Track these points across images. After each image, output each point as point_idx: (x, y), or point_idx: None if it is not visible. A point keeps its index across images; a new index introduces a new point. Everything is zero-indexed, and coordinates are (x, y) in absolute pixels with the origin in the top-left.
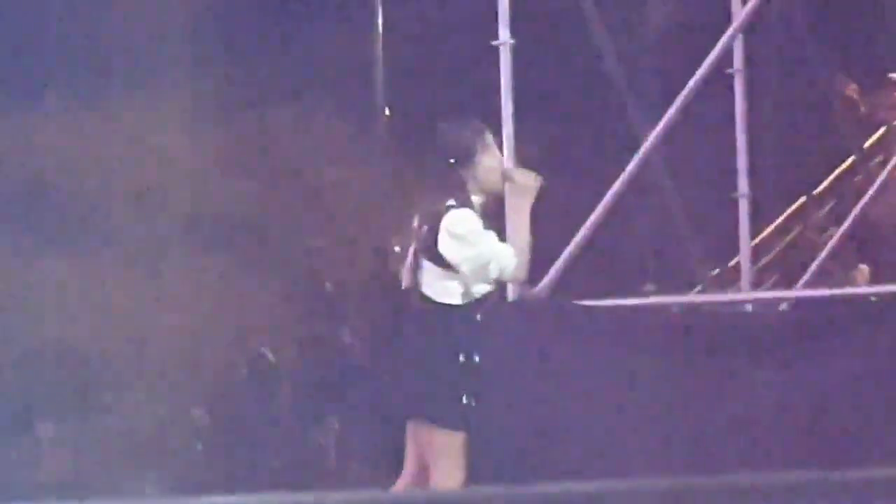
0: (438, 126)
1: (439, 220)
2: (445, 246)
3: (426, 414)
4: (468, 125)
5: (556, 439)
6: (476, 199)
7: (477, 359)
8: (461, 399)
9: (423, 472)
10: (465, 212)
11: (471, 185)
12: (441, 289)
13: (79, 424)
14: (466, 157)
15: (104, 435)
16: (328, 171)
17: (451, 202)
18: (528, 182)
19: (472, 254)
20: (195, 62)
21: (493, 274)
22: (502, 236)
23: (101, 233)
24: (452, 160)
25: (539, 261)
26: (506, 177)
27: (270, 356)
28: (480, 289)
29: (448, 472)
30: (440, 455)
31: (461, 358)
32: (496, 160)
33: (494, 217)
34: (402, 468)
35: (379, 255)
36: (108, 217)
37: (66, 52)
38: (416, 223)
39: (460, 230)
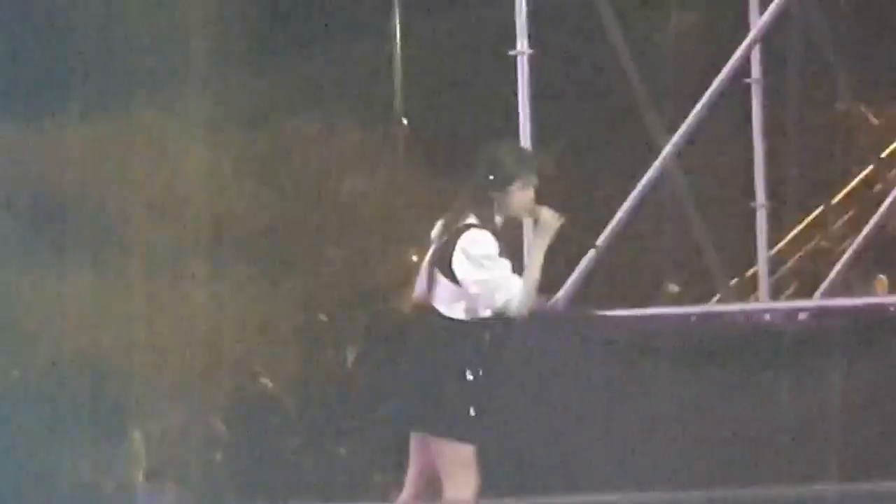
0: (495, 143)
1: (458, 236)
2: (459, 264)
3: (435, 427)
4: (522, 152)
5: (572, 450)
6: (498, 220)
7: (486, 375)
8: (469, 412)
9: (428, 486)
10: (485, 234)
11: (497, 208)
12: (450, 304)
13: (99, 435)
14: (505, 180)
15: (122, 445)
16: (346, 182)
17: (473, 220)
18: (552, 221)
19: (484, 278)
20: (215, 73)
21: (499, 303)
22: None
23: (120, 243)
24: (491, 177)
25: (557, 270)
26: (532, 213)
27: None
28: (485, 312)
29: (460, 484)
30: (451, 467)
31: (469, 374)
32: (528, 198)
33: (507, 242)
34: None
35: (397, 264)
36: (128, 227)
37: (86, 61)
38: (435, 233)
39: (476, 252)
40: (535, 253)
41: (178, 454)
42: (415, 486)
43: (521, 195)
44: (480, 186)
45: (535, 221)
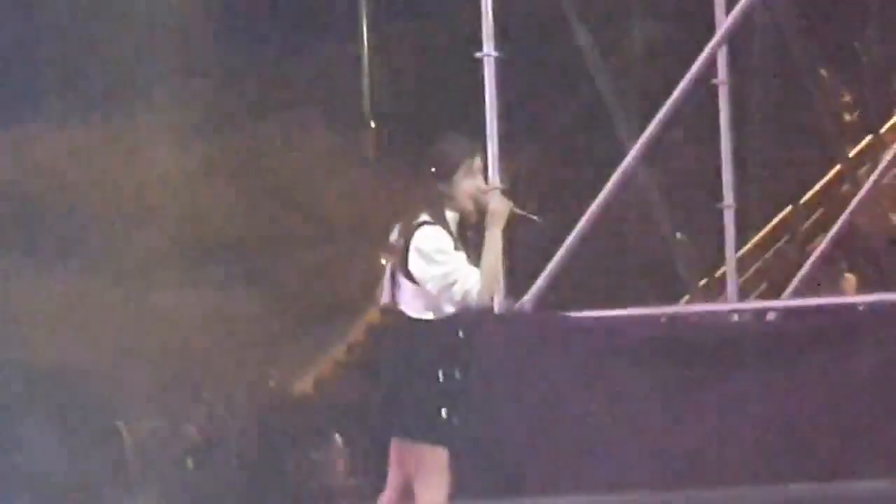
0: (437, 137)
1: (411, 235)
2: (413, 262)
3: (407, 431)
4: (459, 140)
5: (543, 452)
6: (451, 215)
7: (457, 375)
8: (441, 414)
9: (406, 490)
10: (435, 229)
11: (446, 201)
12: (414, 305)
13: (74, 441)
14: (448, 172)
15: (96, 452)
16: (316, 185)
17: (425, 217)
18: (501, 207)
19: (438, 273)
20: (185, 78)
21: (457, 296)
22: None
23: (94, 249)
24: (433, 170)
25: (525, 273)
26: (479, 202)
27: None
28: (448, 308)
29: (431, 488)
30: (423, 471)
31: (440, 375)
32: (474, 186)
33: (476, 232)
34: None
35: (367, 268)
36: (102, 233)
37: (56, 68)
38: (393, 237)
39: (427, 248)
40: (489, 240)
41: (152, 459)
42: (396, 491)
43: (467, 184)
44: (427, 183)
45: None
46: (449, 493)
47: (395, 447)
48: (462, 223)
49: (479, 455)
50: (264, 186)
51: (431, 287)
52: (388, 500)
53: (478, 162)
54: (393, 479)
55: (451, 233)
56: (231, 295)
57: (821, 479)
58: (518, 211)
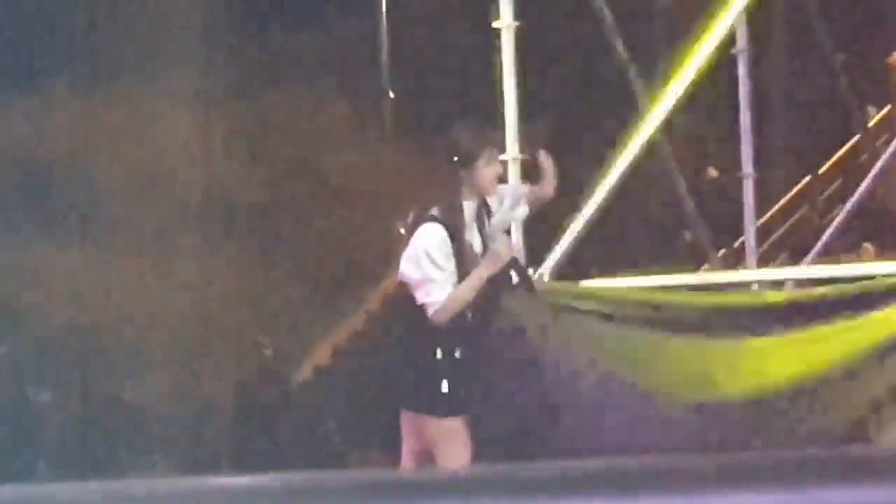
0: (453, 124)
1: (416, 229)
2: (405, 256)
3: (416, 405)
4: (482, 128)
5: (556, 420)
6: (468, 203)
7: (458, 354)
8: (442, 389)
9: (422, 461)
10: (436, 230)
11: (466, 188)
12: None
13: (94, 406)
14: (470, 157)
15: (113, 417)
16: (334, 155)
17: (435, 211)
18: (502, 253)
19: (413, 276)
20: (200, 48)
21: (419, 298)
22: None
23: (110, 219)
24: (455, 158)
25: (544, 241)
26: (488, 238)
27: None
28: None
29: (450, 458)
30: (439, 442)
31: (439, 352)
32: (494, 171)
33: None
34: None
35: (384, 237)
36: (118, 203)
37: (71, 36)
38: (409, 222)
39: (419, 247)
40: (473, 277)
41: (169, 426)
42: (412, 462)
43: (489, 171)
44: (447, 170)
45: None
46: (469, 457)
47: (408, 418)
48: (480, 210)
49: (493, 422)
50: (282, 156)
51: (404, 283)
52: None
53: (498, 154)
54: (408, 450)
55: (457, 228)
56: (249, 264)
57: (835, 443)
58: (516, 264)
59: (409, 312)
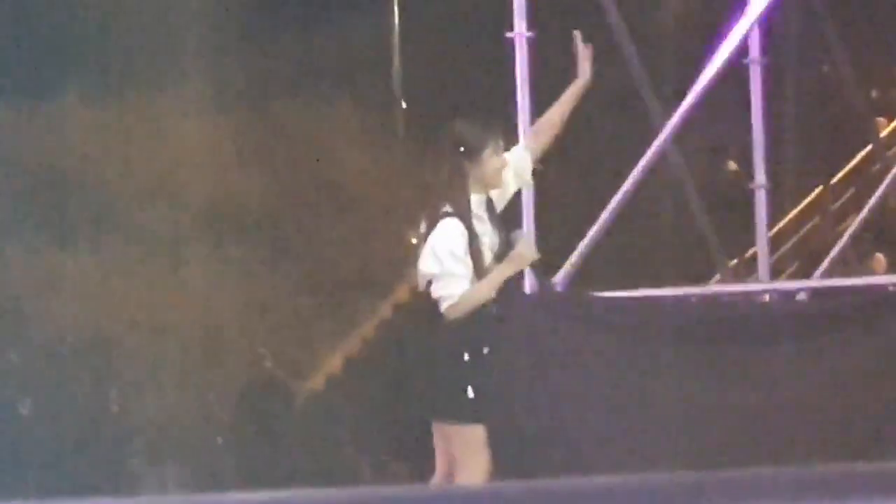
0: (457, 119)
1: (434, 227)
2: (423, 255)
3: (442, 412)
4: (485, 121)
5: (573, 432)
6: (476, 197)
7: (486, 352)
8: (471, 393)
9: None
10: (453, 224)
11: (473, 181)
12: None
13: (103, 415)
14: (476, 150)
15: (120, 425)
16: (345, 162)
17: (447, 209)
18: (527, 255)
19: (435, 269)
20: (213, 56)
21: (436, 293)
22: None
23: (123, 226)
24: (462, 149)
25: (556, 253)
26: (511, 239)
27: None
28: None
29: (468, 468)
30: (461, 450)
31: (466, 354)
32: (500, 163)
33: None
34: (424, 468)
35: (394, 245)
36: (131, 210)
37: (85, 45)
38: (422, 228)
39: (438, 244)
40: (496, 274)
41: (178, 435)
42: (445, 474)
43: (494, 162)
44: (453, 164)
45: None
46: (489, 469)
47: (437, 429)
48: (488, 203)
49: (507, 434)
50: (293, 164)
51: (423, 281)
52: (437, 482)
53: (501, 141)
54: (441, 462)
55: (470, 222)
56: (259, 271)
57: (852, 459)
58: (538, 267)
59: (431, 317)
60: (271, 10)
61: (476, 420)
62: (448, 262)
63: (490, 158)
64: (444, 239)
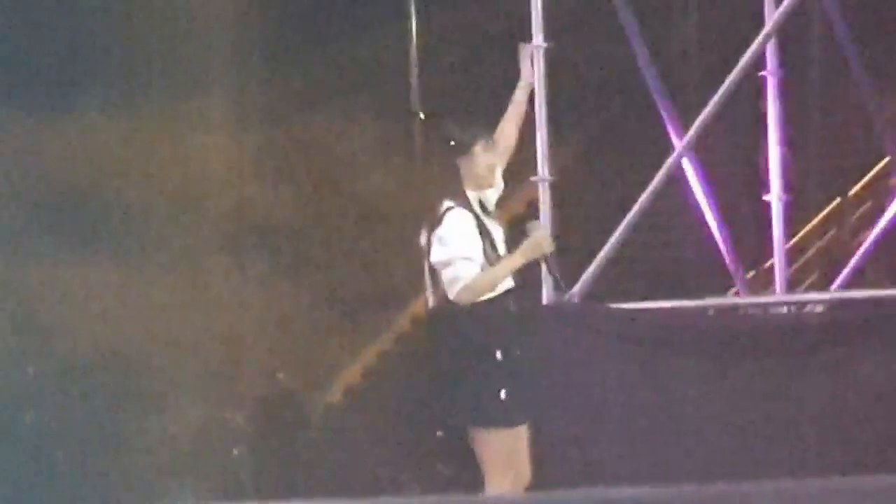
0: (441, 124)
1: (438, 225)
2: (433, 250)
3: (468, 418)
4: (474, 124)
5: (591, 443)
6: (472, 194)
7: (517, 351)
8: (489, 396)
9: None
10: (460, 213)
11: (467, 178)
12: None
13: (121, 429)
14: (467, 145)
15: (144, 438)
16: (364, 175)
17: (449, 203)
18: (543, 245)
19: (444, 256)
20: (234, 69)
21: (445, 278)
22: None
23: (143, 238)
24: (452, 143)
25: (574, 264)
26: (527, 230)
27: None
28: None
29: (495, 472)
30: (484, 456)
31: (498, 353)
32: (491, 159)
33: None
34: (439, 480)
35: (413, 258)
36: (150, 222)
37: (106, 58)
38: (423, 239)
39: (445, 231)
40: (510, 260)
41: (198, 448)
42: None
43: (486, 157)
44: (445, 159)
45: (527, 234)
46: (527, 482)
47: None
48: (483, 204)
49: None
50: (313, 176)
51: (439, 269)
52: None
53: (491, 140)
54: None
55: (475, 211)
56: (280, 284)
57: (872, 472)
58: (551, 260)
59: (457, 320)
60: (294, 26)
61: (494, 423)
62: (458, 246)
63: (481, 154)
64: (452, 226)
